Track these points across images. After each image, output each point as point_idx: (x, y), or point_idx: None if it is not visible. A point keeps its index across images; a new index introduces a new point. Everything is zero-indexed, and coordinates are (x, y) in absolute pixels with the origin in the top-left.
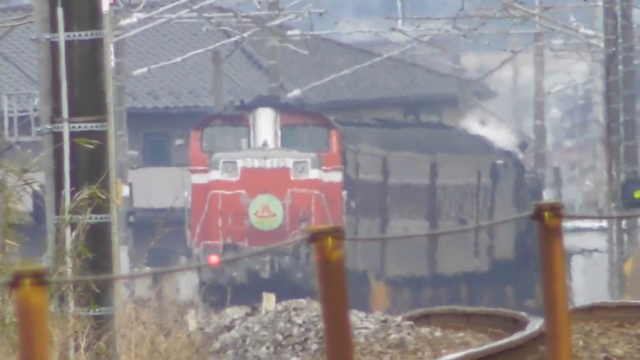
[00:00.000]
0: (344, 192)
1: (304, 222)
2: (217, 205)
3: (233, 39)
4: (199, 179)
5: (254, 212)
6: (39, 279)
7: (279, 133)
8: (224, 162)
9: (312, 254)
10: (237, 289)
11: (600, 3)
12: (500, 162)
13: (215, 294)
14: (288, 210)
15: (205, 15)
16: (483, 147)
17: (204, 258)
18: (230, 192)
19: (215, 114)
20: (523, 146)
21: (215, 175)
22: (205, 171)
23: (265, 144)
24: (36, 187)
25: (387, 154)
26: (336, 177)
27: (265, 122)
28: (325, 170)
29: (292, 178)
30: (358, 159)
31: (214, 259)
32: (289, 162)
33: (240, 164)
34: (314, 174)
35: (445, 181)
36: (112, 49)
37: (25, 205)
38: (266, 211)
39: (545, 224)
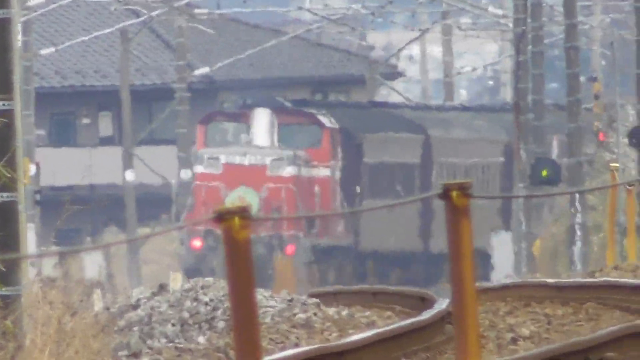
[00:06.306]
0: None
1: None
2: (201, 195)
3: (141, 19)
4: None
5: (230, 203)
6: None
7: (276, 131)
8: (207, 157)
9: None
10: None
11: None
12: None
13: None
14: (263, 203)
15: None
16: None
17: (187, 242)
18: (212, 184)
19: (219, 112)
20: None
21: (200, 169)
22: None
23: (251, 142)
24: None
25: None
26: (325, 172)
27: (263, 121)
28: (314, 166)
29: (268, 174)
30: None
31: (196, 242)
32: (267, 160)
33: (222, 159)
34: (289, 170)
35: None
36: (19, 28)
37: None
38: (242, 202)
39: (453, 204)
